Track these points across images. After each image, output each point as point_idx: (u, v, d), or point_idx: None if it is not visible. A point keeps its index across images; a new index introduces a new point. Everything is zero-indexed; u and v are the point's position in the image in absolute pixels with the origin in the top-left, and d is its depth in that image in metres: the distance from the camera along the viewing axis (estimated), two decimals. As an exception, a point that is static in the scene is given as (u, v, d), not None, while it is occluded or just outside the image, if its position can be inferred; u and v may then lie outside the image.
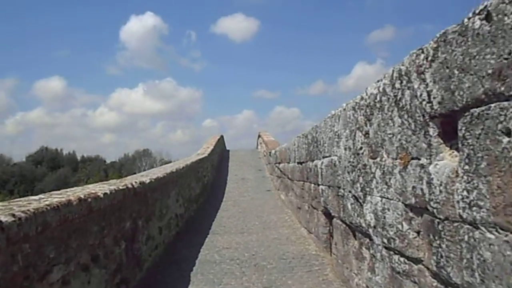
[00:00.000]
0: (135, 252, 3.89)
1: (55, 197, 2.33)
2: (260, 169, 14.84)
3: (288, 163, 8.13)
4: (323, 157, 4.52)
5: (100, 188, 3.05)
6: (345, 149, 3.46)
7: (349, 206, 3.41)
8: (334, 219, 4.16)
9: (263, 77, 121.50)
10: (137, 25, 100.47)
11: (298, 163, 6.75)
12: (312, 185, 5.35)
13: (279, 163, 10.07)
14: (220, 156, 17.25)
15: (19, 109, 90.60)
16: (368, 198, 2.89)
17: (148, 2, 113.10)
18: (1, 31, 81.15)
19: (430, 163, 1.92)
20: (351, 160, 3.27)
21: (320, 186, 4.73)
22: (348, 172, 3.37)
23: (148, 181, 4.39)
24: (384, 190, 2.56)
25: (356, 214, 3.22)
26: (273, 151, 11.85)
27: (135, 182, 3.94)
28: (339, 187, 3.77)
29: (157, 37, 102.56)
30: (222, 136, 21.17)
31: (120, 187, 3.39)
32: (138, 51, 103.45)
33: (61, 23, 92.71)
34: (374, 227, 2.78)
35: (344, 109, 3.49)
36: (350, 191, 3.36)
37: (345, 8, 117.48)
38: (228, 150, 21.10)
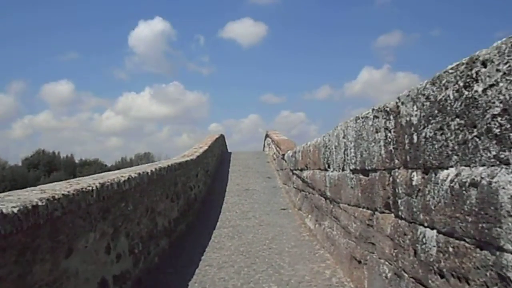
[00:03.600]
0: None
1: None
2: (269, 176, 11.45)
3: (325, 170, 4.75)
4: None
5: None
6: None
7: None
8: None
9: (269, 81, 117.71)
10: (145, 30, 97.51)
11: (354, 171, 3.40)
12: (440, 236, 1.98)
13: (301, 169, 6.70)
14: (218, 159, 13.88)
15: (27, 112, 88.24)
16: None
17: (157, 7, 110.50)
18: (9, 34, 79.42)
19: None
20: None
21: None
22: None
23: None
24: None
25: None
26: (289, 153, 8.47)
27: None
28: None
29: (165, 42, 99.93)
30: (222, 136, 17.82)
31: None
32: (146, 56, 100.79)
33: (70, 27, 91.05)
34: None
35: None
36: None
37: (352, 13, 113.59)
38: (230, 153, 17.72)
